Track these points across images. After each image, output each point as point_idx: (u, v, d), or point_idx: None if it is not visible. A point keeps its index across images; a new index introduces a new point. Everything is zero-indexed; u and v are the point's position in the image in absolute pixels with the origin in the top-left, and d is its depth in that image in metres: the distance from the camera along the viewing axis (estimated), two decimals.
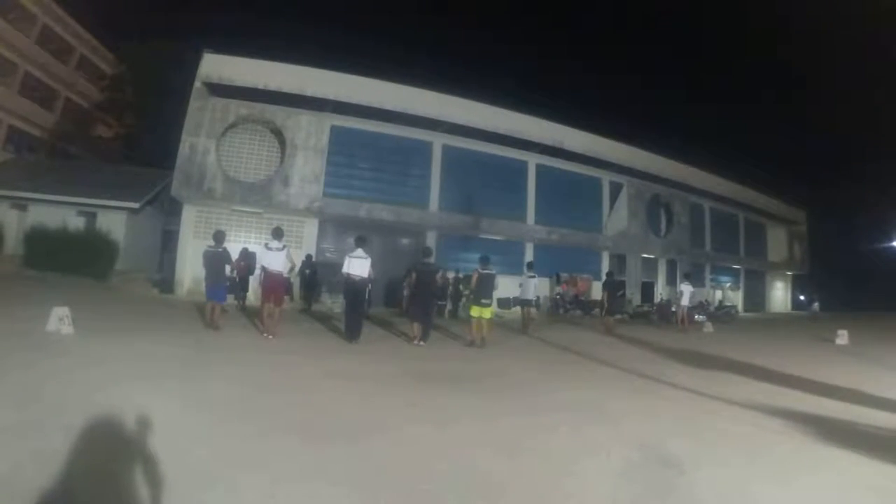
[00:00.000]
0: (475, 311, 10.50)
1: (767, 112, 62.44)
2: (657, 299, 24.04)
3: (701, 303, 23.88)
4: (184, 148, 17.01)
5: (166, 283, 16.98)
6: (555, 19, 67.43)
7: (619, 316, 16.79)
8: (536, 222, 21.93)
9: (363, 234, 10.48)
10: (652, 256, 26.09)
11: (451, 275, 16.84)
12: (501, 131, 20.42)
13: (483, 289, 10.46)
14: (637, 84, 64.67)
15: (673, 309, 18.32)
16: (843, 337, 13.66)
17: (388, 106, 18.45)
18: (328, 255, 18.03)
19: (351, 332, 9.61)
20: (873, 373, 8.94)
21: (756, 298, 33.56)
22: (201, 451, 3.46)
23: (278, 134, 18.17)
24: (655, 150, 25.73)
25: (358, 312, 9.92)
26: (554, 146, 21.88)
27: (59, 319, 7.18)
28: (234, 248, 16.89)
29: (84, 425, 3.58)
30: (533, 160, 22.25)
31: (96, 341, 7.00)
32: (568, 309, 20.35)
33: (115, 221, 17.70)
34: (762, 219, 34.08)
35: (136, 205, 18.30)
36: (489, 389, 6.32)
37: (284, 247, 9.51)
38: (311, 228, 18.21)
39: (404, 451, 3.92)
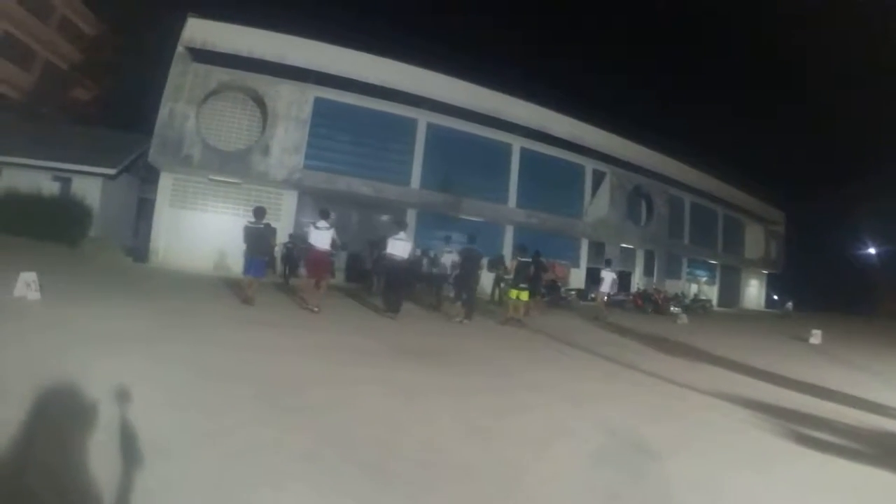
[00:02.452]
0: (513, 294, 11.63)
1: (756, 113, 62.96)
2: (634, 289, 24.44)
3: (676, 294, 24.18)
4: (163, 113, 16.70)
5: (140, 252, 16.78)
6: (547, 5, 66.94)
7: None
8: (518, 206, 21.91)
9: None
10: (630, 246, 26.31)
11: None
12: (487, 112, 20.34)
13: (520, 275, 11.58)
14: (626, 75, 64.67)
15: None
16: (816, 336, 13.70)
17: (374, 80, 18.27)
18: (306, 228, 17.77)
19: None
20: (845, 373, 9.02)
21: (730, 294, 34.00)
22: (160, 422, 3.30)
23: (260, 102, 17.84)
24: (640, 141, 25.88)
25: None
26: (539, 130, 21.89)
27: (27, 285, 6.95)
28: (218, 219, 17.18)
29: (41, 392, 3.42)
30: (517, 143, 22.17)
31: (63, 307, 6.79)
32: (544, 294, 20.40)
33: (90, 187, 17.21)
34: (741, 216, 34.40)
35: (112, 171, 17.84)
36: (456, 363, 6.34)
37: (331, 227, 9.98)
38: (289, 200, 18.03)
39: (372, 427, 3.81)
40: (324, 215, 10.24)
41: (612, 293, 16.76)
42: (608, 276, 15.99)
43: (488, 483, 3.05)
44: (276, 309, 9.76)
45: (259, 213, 10.05)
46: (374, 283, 14.60)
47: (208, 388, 4.12)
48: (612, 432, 4.22)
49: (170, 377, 4.33)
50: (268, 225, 10.16)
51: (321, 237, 9.87)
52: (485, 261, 14.63)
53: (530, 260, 11.97)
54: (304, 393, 4.46)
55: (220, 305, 9.32)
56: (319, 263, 9.99)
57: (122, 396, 3.53)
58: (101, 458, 2.69)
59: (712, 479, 3.45)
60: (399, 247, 10.52)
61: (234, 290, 11.20)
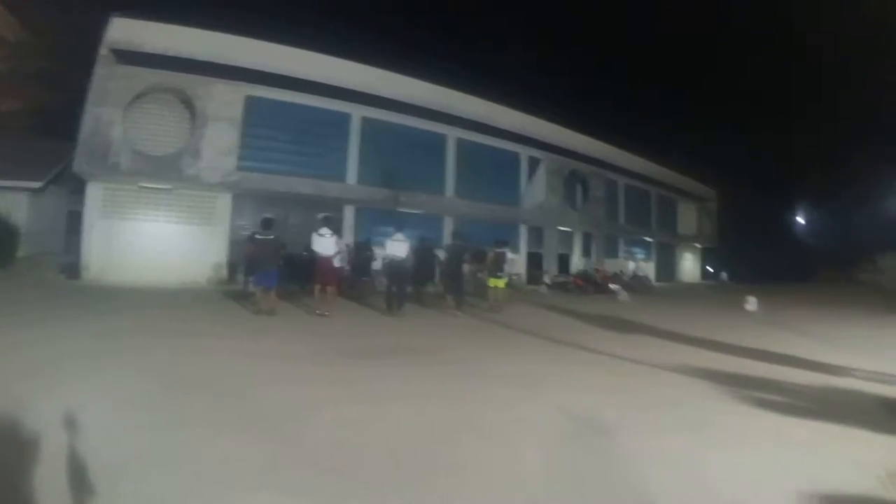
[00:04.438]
0: (492, 283, 12.71)
1: (682, 95, 65.12)
2: (573, 270, 25.31)
3: (615, 273, 25.08)
4: (88, 119, 16.11)
5: (73, 268, 16.14)
6: None
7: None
8: (456, 195, 22.31)
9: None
10: (569, 229, 27.18)
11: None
12: (421, 104, 20.50)
13: (497, 264, 12.77)
14: (556, 62, 65.62)
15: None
16: (752, 304, 14.42)
17: (307, 75, 18.12)
18: (243, 232, 17.56)
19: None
20: (783, 336, 9.39)
21: (667, 269, 35.54)
22: (106, 449, 3.15)
23: (189, 104, 17.42)
24: (573, 127, 26.68)
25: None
26: (474, 120, 22.18)
27: None
28: (150, 228, 16.79)
29: None
30: (453, 134, 22.51)
31: None
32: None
33: (16, 203, 16.53)
34: (673, 195, 36.11)
35: (38, 184, 17.22)
36: (419, 365, 6.28)
37: (333, 234, 10.54)
38: (224, 204, 17.77)
39: (337, 433, 3.75)
40: (325, 222, 10.73)
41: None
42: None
43: (448, 478, 3.05)
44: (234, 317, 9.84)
45: (267, 223, 10.40)
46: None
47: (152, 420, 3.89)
48: (569, 416, 4.29)
49: (111, 399, 4.22)
50: (277, 236, 10.37)
51: (325, 244, 10.30)
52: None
53: (505, 251, 12.98)
54: (284, 395, 4.66)
55: (157, 321, 8.94)
56: (326, 269, 10.38)
57: (67, 423, 3.42)
58: (49, 494, 2.59)
59: (672, 452, 3.54)
60: (397, 247, 11.25)
61: (242, 303, 11.48)
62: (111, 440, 3.34)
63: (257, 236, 10.28)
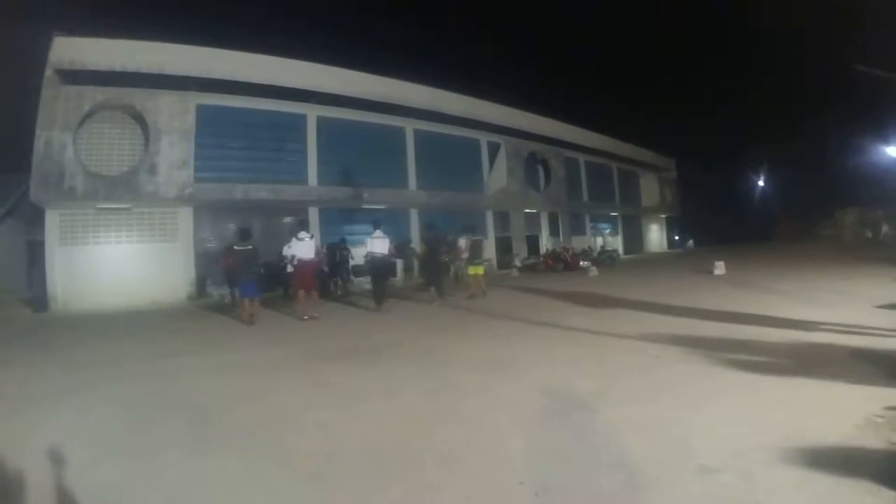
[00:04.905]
0: (472, 270, 12.99)
1: (633, 68, 66.17)
2: (542, 250, 25.67)
3: (584, 250, 25.50)
4: (38, 145, 15.55)
5: (39, 300, 15.48)
6: None
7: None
8: (419, 188, 22.40)
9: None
10: (534, 211, 27.55)
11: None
12: (376, 98, 20.47)
13: (475, 252, 13.19)
14: (506, 45, 66.03)
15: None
16: (720, 268, 14.64)
17: (257, 79, 17.94)
18: (208, 244, 17.45)
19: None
20: (752, 296, 9.51)
21: (634, 241, 36.47)
22: (82, 479, 3.07)
23: (139, 119, 17.00)
24: (529, 109, 27.03)
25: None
26: (430, 110, 22.28)
27: None
28: (113, 250, 16.39)
29: None
30: (411, 126, 22.57)
31: None
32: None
33: None
34: (634, 168, 36.84)
35: None
36: (398, 358, 6.20)
37: (312, 237, 10.59)
38: (185, 218, 17.38)
39: (310, 439, 3.65)
40: (303, 226, 10.95)
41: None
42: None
43: (431, 469, 2.98)
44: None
45: (245, 234, 10.48)
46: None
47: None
48: (546, 392, 4.28)
49: (91, 427, 4.12)
50: (254, 246, 10.42)
51: (305, 248, 10.32)
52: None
53: (482, 238, 13.44)
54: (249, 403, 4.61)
55: (141, 345, 8.43)
56: (307, 273, 10.43)
57: (50, 456, 3.35)
58: None
59: (653, 420, 3.53)
60: (378, 244, 11.35)
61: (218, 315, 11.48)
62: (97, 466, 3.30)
63: (236, 248, 10.33)
